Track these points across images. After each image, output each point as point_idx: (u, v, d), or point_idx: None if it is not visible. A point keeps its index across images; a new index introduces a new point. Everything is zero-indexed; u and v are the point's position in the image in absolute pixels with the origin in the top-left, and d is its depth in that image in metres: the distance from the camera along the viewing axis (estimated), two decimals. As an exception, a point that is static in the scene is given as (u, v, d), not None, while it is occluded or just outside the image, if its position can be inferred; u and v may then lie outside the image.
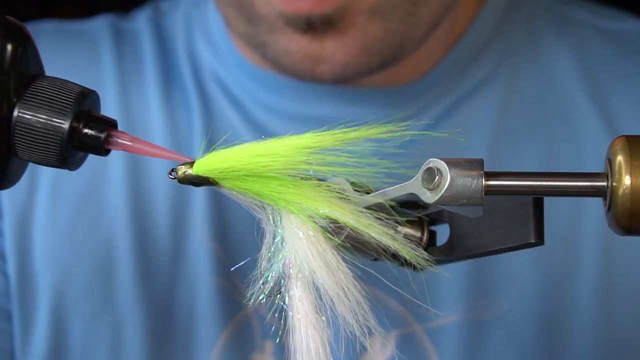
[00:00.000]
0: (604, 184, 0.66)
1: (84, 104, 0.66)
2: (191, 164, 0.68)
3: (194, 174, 0.68)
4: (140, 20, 1.16)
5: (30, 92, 0.66)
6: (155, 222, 1.07)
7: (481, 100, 1.08)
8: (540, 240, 0.68)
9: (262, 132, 1.07)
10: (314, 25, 0.95)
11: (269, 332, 1.06)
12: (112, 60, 1.12)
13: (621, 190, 0.64)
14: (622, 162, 0.64)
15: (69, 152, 0.66)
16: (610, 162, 0.66)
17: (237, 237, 1.06)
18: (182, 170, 0.68)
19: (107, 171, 1.08)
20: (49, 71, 1.11)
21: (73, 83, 0.67)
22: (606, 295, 1.05)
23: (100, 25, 1.16)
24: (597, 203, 1.05)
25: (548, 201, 1.06)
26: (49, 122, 0.65)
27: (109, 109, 1.10)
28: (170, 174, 0.68)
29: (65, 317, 1.07)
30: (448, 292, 1.05)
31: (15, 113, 0.65)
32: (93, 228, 1.07)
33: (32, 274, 1.07)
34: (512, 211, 0.68)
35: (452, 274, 1.05)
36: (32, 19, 1.20)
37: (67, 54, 1.13)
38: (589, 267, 1.05)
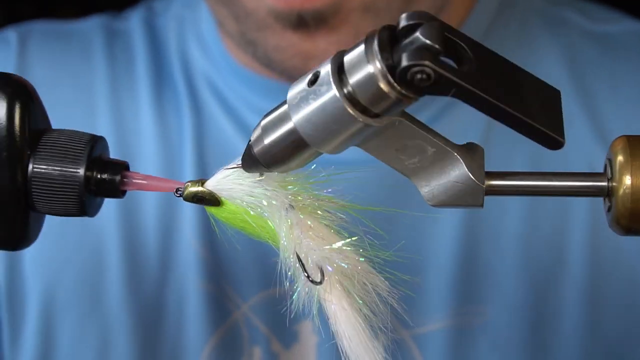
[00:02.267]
0: (605, 184, 0.66)
1: (94, 150, 0.68)
2: (198, 181, 0.69)
3: (202, 190, 0.68)
4: (133, 20, 1.16)
5: (42, 146, 0.67)
6: (144, 228, 1.06)
7: None
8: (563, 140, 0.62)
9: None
10: (305, 21, 0.95)
11: (257, 338, 1.06)
12: (103, 61, 1.12)
13: (621, 190, 0.64)
14: (623, 162, 0.64)
15: (86, 199, 0.68)
16: (610, 162, 0.66)
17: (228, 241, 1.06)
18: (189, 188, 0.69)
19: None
20: (42, 72, 1.10)
21: (82, 132, 0.69)
22: (592, 300, 1.05)
23: (92, 25, 1.16)
24: (583, 206, 1.05)
25: (533, 204, 1.07)
26: (64, 172, 0.67)
27: (100, 110, 1.09)
28: (177, 192, 0.69)
29: (54, 322, 1.06)
30: (435, 298, 1.05)
31: (30, 168, 0.67)
32: (82, 233, 1.07)
33: (22, 278, 1.07)
34: (544, 102, 0.62)
35: (439, 280, 1.05)
36: (32, 19, 1.20)
37: (59, 54, 1.13)
38: (574, 271, 1.05)
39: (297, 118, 0.61)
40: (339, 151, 0.62)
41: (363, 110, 0.59)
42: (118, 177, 0.68)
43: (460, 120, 1.07)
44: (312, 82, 0.60)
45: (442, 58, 0.58)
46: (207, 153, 1.08)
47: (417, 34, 0.57)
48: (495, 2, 1.11)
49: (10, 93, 0.67)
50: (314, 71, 0.60)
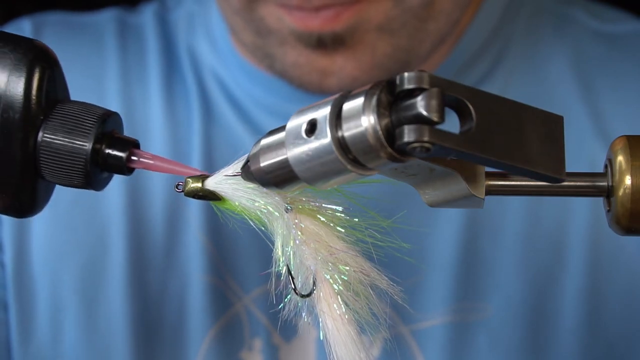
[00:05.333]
0: (605, 184, 0.66)
1: (106, 125, 0.68)
2: (199, 178, 0.69)
3: (201, 188, 0.68)
4: (146, 14, 1.17)
5: (55, 115, 0.68)
6: (150, 217, 1.07)
7: None
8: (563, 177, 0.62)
9: (259, 132, 1.08)
10: (324, 43, 0.97)
11: (258, 330, 1.06)
12: (115, 53, 1.13)
13: (622, 191, 0.64)
14: (623, 162, 0.65)
15: (92, 172, 0.68)
16: (610, 162, 0.66)
17: (231, 235, 1.06)
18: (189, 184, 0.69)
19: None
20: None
21: (96, 106, 0.69)
22: (592, 297, 1.05)
23: (106, 18, 1.17)
24: (583, 204, 1.06)
25: (534, 202, 1.07)
26: (71, 144, 0.67)
27: (110, 100, 1.11)
28: (177, 188, 0.69)
29: (61, 308, 1.07)
30: (434, 294, 1.05)
31: (40, 135, 0.67)
32: (89, 220, 1.08)
33: (30, 264, 1.08)
34: (546, 136, 0.62)
35: (439, 276, 1.06)
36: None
37: (72, 45, 1.14)
38: (574, 269, 1.05)
39: (292, 155, 0.61)
40: (334, 186, 0.63)
41: (354, 160, 0.59)
42: (126, 154, 0.68)
43: (456, 119, 1.07)
44: (309, 131, 0.60)
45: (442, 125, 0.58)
46: (214, 146, 1.08)
47: (418, 105, 0.57)
48: (501, 2, 1.11)
49: (32, 58, 0.67)
50: (311, 119, 0.60)
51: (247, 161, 0.65)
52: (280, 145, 0.62)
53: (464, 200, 0.65)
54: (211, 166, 1.07)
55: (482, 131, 0.58)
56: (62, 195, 1.08)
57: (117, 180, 1.08)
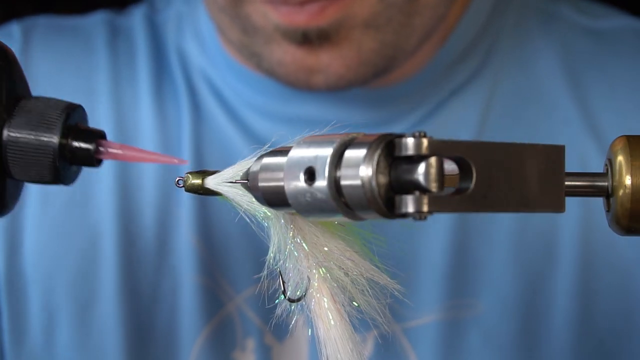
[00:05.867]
0: (605, 184, 0.66)
1: (70, 118, 0.67)
2: (198, 173, 0.68)
3: (201, 185, 0.68)
4: (135, 16, 1.16)
5: (18, 112, 0.67)
6: (141, 219, 1.07)
7: (465, 100, 1.08)
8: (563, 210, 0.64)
9: (249, 133, 1.08)
10: (309, 38, 0.96)
11: (251, 330, 1.06)
12: (106, 56, 1.13)
13: (621, 191, 0.64)
14: (623, 162, 0.64)
15: (61, 167, 0.67)
16: (610, 162, 0.66)
17: (222, 235, 1.06)
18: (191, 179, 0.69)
19: (95, 169, 1.08)
20: (45, 66, 1.11)
21: (59, 100, 0.68)
22: (584, 294, 1.05)
23: (95, 20, 1.16)
24: (575, 201, 1.06)
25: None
26: (38, 139, 0.66)
27: (101, 102, 1.10)
28: (178, 184, 0.69)
29: (54, 313, 1.07)
30: (426, 291, 1.05)
31: (5, 134, 0.66)
32: (80, 222, 1.07)
33: (21, 268, 1.07)
34: (546, 169, 0.63)
35: (430, 274, 1.06)
36: (30, 17, 1.19)
37: (62, 48, 1.14)
38: (566, 266, 1.06)
39: (288, 188, 0.61)
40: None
41: (347, 206, 0.60)
42: (93, 145, 0.67)
43: (452, 119, 1.08)
44: (308, 178, 0.61)
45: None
46: (204, 147, 1.08)
47: (417, 174, 0.58)
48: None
49: None
50: (309, 166, 0.60)
51: (247, 174, 0.65)
52: (280, 170, 0.62)
53: None
54: (201, 167, 1.07)
55: (481, 186, 0.60)
56: (53, 200, 1.08)
57: (107, 182, 1.08)
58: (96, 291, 1.06)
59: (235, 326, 1.06)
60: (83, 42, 1.14)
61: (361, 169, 0.58)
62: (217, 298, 1.06)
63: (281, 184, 0.62)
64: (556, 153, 0.63)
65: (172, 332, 1.06)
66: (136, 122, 1.09)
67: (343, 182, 0.59)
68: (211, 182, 0.68)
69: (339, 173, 0.59)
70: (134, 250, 1.06)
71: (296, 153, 0.61)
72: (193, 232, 1.06)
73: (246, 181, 0.65)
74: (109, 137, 0.99)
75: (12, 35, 1.14)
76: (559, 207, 0.62)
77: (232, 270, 1.06)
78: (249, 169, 0.65)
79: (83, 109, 0.69)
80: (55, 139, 0.66)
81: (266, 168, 0.63)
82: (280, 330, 1.05)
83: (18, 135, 0.66)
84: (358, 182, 0.59)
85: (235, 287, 1.06)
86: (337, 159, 0.60)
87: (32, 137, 0.66)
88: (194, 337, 1.06)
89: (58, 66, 1.12)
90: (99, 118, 1.09)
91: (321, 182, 0.60)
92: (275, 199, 0.63)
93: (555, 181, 0.63)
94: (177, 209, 1.07)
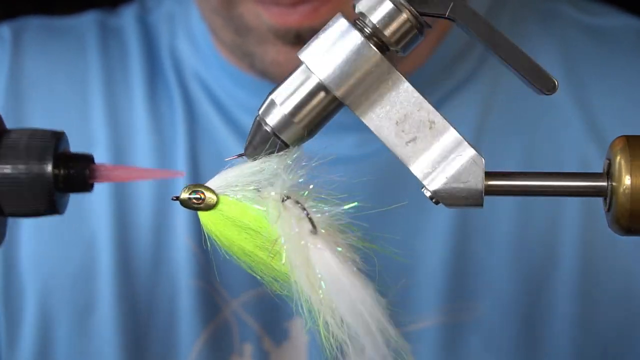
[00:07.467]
0: (605, 184, 0.66)
1: (58, 145, 0.66)
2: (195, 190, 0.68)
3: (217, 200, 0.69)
4: (127, 17, 1.16)
5: (3, 147, 0.65)
6: (137, 224, 1.06)
7: (464, 98, 1.08)
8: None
9: (243, 134, 1.07)
10: (303, 39, 0.96)
11: (248, 336, 1.06)
12: (98, 56, 1.12)
13: (621, 191, 0.64)
14: (623, 162, 0.64)
15: (56, 196, 0.66)
16: (610, 162, 0.66)
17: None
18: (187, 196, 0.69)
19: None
20: (36, 68, 1.10)
21: (42, 129, 0.66)
22: (584, 296, 1.05)
23: (87, 21, 1.16)
24: (575, 203, 1.05)
25: (525, 201, 1.07)
26: (31, 170, 0.64)
27: (94, 104, 1.09)
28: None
29: (51, 319, 1.06)
30: (426, 295, 1.05)
31: None
32: (76, 230, 1.07)
33: (18, 275, 1.07)
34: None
35: (430, 277, 1.05)
36: (30, 16, 1.19)
37: (53, 50, 1.13)
38: (567, 268, 1.05)
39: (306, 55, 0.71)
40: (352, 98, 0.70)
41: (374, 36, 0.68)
42: (86, 171, 0.66)
43: (452, 118, 1.07)
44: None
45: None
46: (198, 149, 1.08)
47: None
48: None
49: None
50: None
51: (258, 123, 0.71)
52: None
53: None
54: (196, 168, 1.07)
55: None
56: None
57: (103, 189, 1.07)
58: (93, 298, 1.06)
59: (232, 331, 1.06)
60: (74, 43, 1.13)
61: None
62: (214, 303, 1.05)
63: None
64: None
65: (169, 337, 1.06)
66: (130, 124, 1.09)
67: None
68: (213, 185, 0.68)
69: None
70: (131, 256, 1.06)
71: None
72: (189, 237, 1.06)
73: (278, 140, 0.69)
74: (104, 140, 0.98)
75: (3, 37, 1.13)
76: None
77: (228, 273, 1.06)
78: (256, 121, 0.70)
79: (65, 135, 0.67)
80: (49, 169, 0.64)
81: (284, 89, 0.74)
82: (278, 334, 1.05)
83: (9, 169, 0.64)
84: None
85: (232, 291, 1.06)
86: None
87: (24, 168, 0.64)
88: (192, 343, 1.05)
89: (50, 67, 1.12)
90: (92, 122, 1.08)
91: (345, 26, 0.73)
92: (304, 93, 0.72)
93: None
94: (173, 213, 1.06)
